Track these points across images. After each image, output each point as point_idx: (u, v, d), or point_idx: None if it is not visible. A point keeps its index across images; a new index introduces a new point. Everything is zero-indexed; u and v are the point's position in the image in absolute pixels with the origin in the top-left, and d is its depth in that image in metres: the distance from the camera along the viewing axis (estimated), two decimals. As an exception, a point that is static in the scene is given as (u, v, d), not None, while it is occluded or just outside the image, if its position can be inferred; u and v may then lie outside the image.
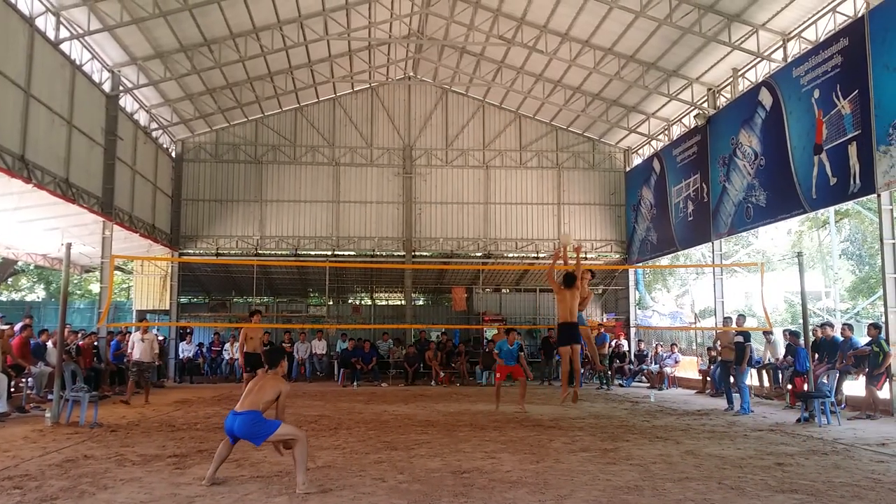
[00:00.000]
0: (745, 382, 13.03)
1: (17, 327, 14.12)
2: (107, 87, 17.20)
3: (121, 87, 17.71)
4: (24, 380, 13.01)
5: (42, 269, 28.84)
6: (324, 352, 21.63)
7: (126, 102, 18.54)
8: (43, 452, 7.94)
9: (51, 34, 14.29)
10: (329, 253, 23.56)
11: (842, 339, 13.56)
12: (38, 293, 33.96)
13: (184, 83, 19.54)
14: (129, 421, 11.01)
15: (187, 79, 19.23)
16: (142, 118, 19.91)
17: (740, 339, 13.00)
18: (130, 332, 16.08)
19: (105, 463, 7.33)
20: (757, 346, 16.00)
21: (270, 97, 22.38)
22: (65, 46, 14.87)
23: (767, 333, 15.76)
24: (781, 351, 15.43)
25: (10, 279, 31.49)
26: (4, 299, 30.91)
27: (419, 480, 6.55)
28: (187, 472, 6.91)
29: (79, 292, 32.70)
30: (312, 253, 23.51)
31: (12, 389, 12.20)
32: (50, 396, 11.86)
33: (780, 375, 15.22)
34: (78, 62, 15.58)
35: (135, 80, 18.21)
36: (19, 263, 27.12)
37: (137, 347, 14.74)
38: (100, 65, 16.92)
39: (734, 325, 13.79)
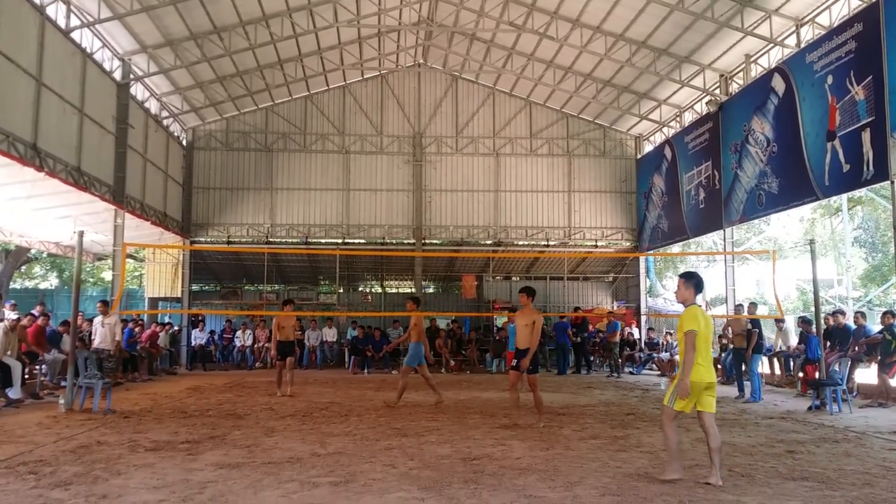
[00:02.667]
0: (757, 370, 13.00)
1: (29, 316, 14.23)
2: (117, 75, 17.23)
3: (131, 76, 17.73)
4: (37, 367, 13.12)
5: (55, 256, 29.03)
6: (334, 339, 21.73)
7: (137, 91, 18.58)
8: (57, 438, 8.02)
9: (61, 22, 14.31)
10: (339, 241, 23.60)
11: (855, 326, 13.50)
12: (52, 281, 34.21)
13: (194, 71, 19.56)
14: (141, 407, 11.10)
15: (197, 67, 19.24)
16: (152, 106, 19.95)
17: (750, 326, 12.97)
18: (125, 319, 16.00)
19: (118, 449, 7.39)
20: (768, 334, 15.96)
21: (280, 85, 22.38)
22: (75, 35, 14.89)
23: (779, 321, 15.71)
24: (794, 339, 15.39)
25: (23, 267, 31.73)
26: (18, 287, 31.15)
27: (429, 467, 6.58)
28: (199, 458, 6.96)
29: (91, 280, 32.92)
30: (323, 241, 23.55)
31: (26, 376, 12.31)
32: (63, 383, 11.95)
33: (792, 363, 15.18)
34: (89, 50, 15.61)
35: (145, 69, 18.23)
36: (32, 251, 27.31)
37: (98, 333, 13.30)
38: (110, 53, 16.94)
39: (745, 313, 13.75)
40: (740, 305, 15.46)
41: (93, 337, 13.28)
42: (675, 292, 6.61)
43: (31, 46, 12.97)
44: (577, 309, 22.38)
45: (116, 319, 13.70)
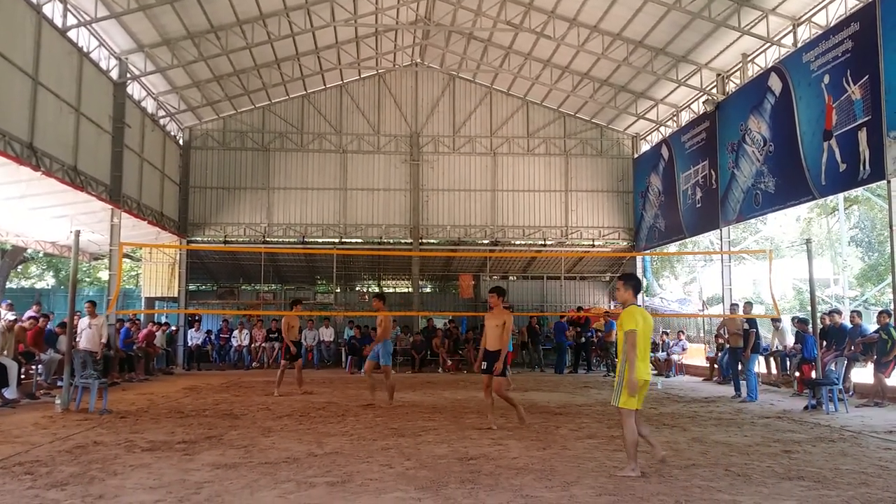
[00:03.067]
0: (754, 370, 13.01)
1: (26, 315, 14.22)
2: (114, 74, 17.20)
3: (128, 75, 17.69)
4: (33, 367, 13.09)
5: (51, 256, 28.99)
6: (331, 339, 21.73)
7: (133, 90, 18.55)
8: (53, 438, 8.01)
9: (58, 21, 14.28)
10: (336, 240, 23.59)
11: (851, 325, 13.50)
12: (48, 281, 34.16)
13: (191, 70, 19.53)
14: (138, 408, 11.09)
15: (194, 66, 19.21)
16: (149, 106, 19.93)
17: (746, 325, 12.98)
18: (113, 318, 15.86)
19: (115, 449, 7.38)
20: (764, 333, 15.97)
21: (277, 84, 22.36)
22: (72, 34, 14.86)
23: (776, 321, 15.73)
24: (790, 339, 15.40)
25: (19, 267, 31.67)
26: (14, 287, 31.09)
27: (426, 467, 6.58)
28: (196, 458, 6.95)
29: (88, 280, 32.88)
30: (320, 240, 23.54)
31: (22, 376, 12.29)
32: (60, 383, 11.93)
33: (788, 363, 15.20)
34: (85, 49, 15.58)
35: (142, 68, 18.20)
36: (28, 251, 27.27)
37: (84, 335, 12.65)
38: (107, 52, 16.92)
39: (741, 312, 13.75)
40: (736, 305, 15.48)
41: (78, 338, 12.63)
42: (616, 293, 6.97)
43: (28, 45, 12.94)
44: (580, 309, 22.35)
45: (104, 321, 13.28)
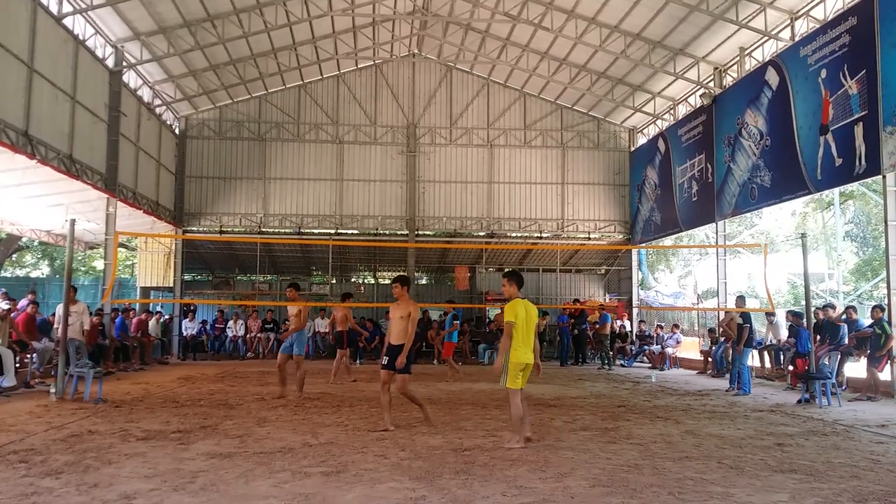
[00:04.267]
0: (746, 363, 13.05)
1: (21, 304, 14.19)
2: (110, 62, 17.13)
3: (124, 63, 17.63)
4: (28, 355, 13.08)
5: (46, 245, 28.92)
6: (327, 330, 21.71)
7: (129, 78, 18.48)
8: (48, 427, 8.01)
9: (53, 9, 14.21)
10: (332, 231, 23.57)
11: (846, 318, 13.54)
12: (43, 269, 34.09)
13: (187, 59, 19.46)
14: (133, 397, 11.09)
15: (191, 54, 19.14)
16: (145, 94, 19.85)
17: (740, 320, 13.02)
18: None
19: (109, 438, 7.39)
20: (758, 327, 16.02)
21: (274, 74, 22.28)
22: (68, 21, 14.79)
23: (770, 315, 15.77)
24: (784, 333, 15.45)
25: (14, 255, 31.59)
26: (9, 275, 31.04)
27: (421, 457, 6.60)
28: (191, 447, 6.96)
29: (83, 269, 32.80)
30: (316, 231, 23.51)
31: (17, 365, 12.27)
32: (54, 372, 11.92)
33: (782, 356, 15.26)
34: (81, 37, 15.51)
35: (138, 56, 18.12)
36: (23, 240, 27.20)
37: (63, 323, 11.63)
38: (103, 40, 16.84)
39: (734, 308, 13.77)
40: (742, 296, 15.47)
41: (56, 325, 12.17)
42: (502, 288, 7.78)
43: (23, 32, 12.88)
44: (576, 301, 22.38)
45: (85, 308, 12.80)
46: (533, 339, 7.42)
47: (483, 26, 21.09)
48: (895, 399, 11.83)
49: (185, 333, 20.80)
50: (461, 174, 24.07)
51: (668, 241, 23.61)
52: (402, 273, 8.97)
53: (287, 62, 21.73)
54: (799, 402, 11.38)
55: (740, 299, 14.31)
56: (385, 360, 8.44)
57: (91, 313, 13.61)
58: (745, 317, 13.00)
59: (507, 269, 7.69)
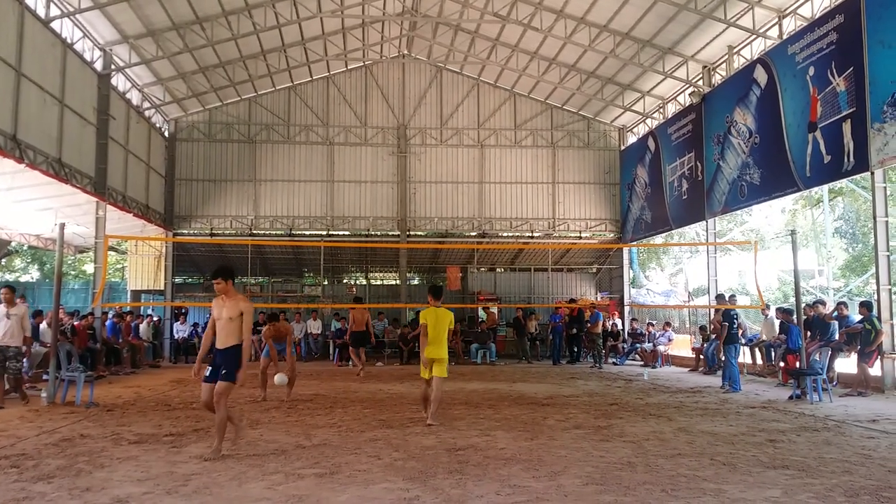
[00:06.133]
0: (735, 361, 13.07)
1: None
2: (98, 65, 17.06)
3: (112, 66, 17.56)
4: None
5: (36, 249, 28.77)
6: (319, 331, 21.70)
7: (118, 81, 18.40)
8: (39, 432, 7.97)
9: (41, 12, 14.15)
10: (324, 233, 23.52)
11: (837, 315, 13.60)
12: (33, 274, 33.89)
13: (176, 62, 19.39)
14: (125, 401, 11.04)
15: (179, 57, 19.08)
16: (134, 97, 19.77)
17: (721, 318, 13.06)
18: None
19: (101, 442, 7.36)
20: (750, 324, 16.08)
21: (263, 76, 22.23)
22: (55, 24, 14.72)
23: (766, 310, 15.88)
24: (775, 329, 15.51)
25: (3, 260, 31.39)
26: (-2, 280, 30.83)
27: (414, 458, 6.60)
28: (183, 450, 6.94)
29: (73, 273, 32.63)
30: (307, 233, 23.45)
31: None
32: (45, 376, 11.85)
33: (773, 353, 15.32)
34: (69, 40, 15.44)
35: (126, 59, 18.05)
36: (13, 244, 27.02)
37: (1, 326, 10.61)
38: (91, 43, 16.77)
39: (725, 304, 13.79)
40: (733, 296, 15.54)
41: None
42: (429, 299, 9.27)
43: (10, 36, 12.81)
44: (572, 301, 22.33)
45: (25, 310, 11.84)
46: (444, 339, 8.94)
47: (472, 27, 21.11)
48: (886, 394, 11.91)
49: (176, 336, 20.72)
50: (452, 174, 24.07)
51: (658, 239, 23.69)
52: (222, 265, 8.06)
53: (276, 64, 21.68)
54: (790, 398, 11.44)
55: (720, 297, 14.36)
56: (209, 370, 6.93)
57: (31, 316, 12.91)
58: (726, 314, 12.96)
59: (429, 286, 10.58)
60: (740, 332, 14.51)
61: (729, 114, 17.22)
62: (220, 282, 7.08)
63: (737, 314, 13.23)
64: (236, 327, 6.91)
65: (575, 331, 20.10)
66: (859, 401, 11.20)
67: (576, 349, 20.47)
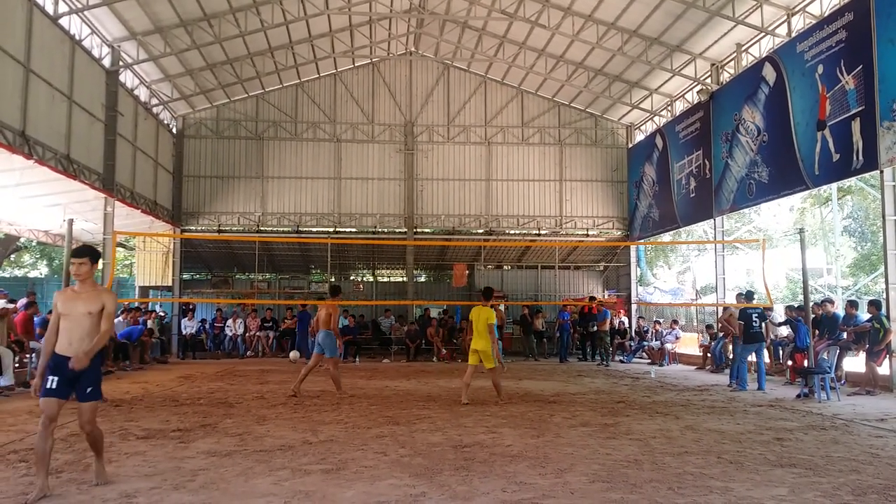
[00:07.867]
0: (744, 360, 13.04)
1: (20, 304, 14.18)
2: (106, 62, 17.11)
3: (120, 63, 17.61)
4: (27, 355, 13.07)
5: (44, 245, 28.88)
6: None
7: (126, 78, 18.46)
8: (48, 427, 7.99)
9: (49, 9, 14.18)
10: (331, 229, 23.55)
11: (843, 314, 13.54)
12: (41, 270, 34.06)
13: (184, 58, 19.43)
14: (132, 396, 11.09)
15: (187, 54, 19.12)
16: (142, 94, 19.83)
17: (726, 315, 13.00)
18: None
19: (109, 437, 7.37)
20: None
21: (271, 73, 22.26)
22: (64, 21, 14.76)
23: (767, 310, 15.80)
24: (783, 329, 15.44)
25: (12, 255, 31.56)
26: (7, 276, 30.99)
27: (421, 454, 6.61)
28: (191, 446, 6.97)
29: (81, 269, 32.68)
30: (314, 229, 23.49)
31: (16, 364, 12.27)
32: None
33: (781, 351, 15.27)
34: (77, 37, 15.49)
35: (134, 56, 18.10)
36: (22, 240, 27.17)
37: None
38: (99, 40, 16.81)
39: (739, 304, 13.73)
40: (751, 293, 15.40)
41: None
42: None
43: (19, 33, 12.86)
44: (591, 299, 22.03)
45: (3, 305, 11.92)
46: (483, 332, 10.47)
47: (480, 24, 21.07)
48: (894, 393, 11.86)
49: (184, 332, 20.80)
50: (459, 172, 24.06)
51: (666, 237, 23.63)
52: (86, 244, 6.11)
53: (284, 61, 21.71)
54: (798, 396, 11.40)
55: (740, 296, 14.29)
56: (52, 381, 5.34)
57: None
58: (743, 313, 12.91)
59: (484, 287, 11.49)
60: (765, 331, 14.07)
61: (737, 112, 17.16)
62: (85, 262, 5.52)
63: (759, 313, 12.98)
64: (95, 324, 5.47)
65: (595, 328, 19.81)
66: (867, 399, 11.17)
67: (589, 347, 20.32)
